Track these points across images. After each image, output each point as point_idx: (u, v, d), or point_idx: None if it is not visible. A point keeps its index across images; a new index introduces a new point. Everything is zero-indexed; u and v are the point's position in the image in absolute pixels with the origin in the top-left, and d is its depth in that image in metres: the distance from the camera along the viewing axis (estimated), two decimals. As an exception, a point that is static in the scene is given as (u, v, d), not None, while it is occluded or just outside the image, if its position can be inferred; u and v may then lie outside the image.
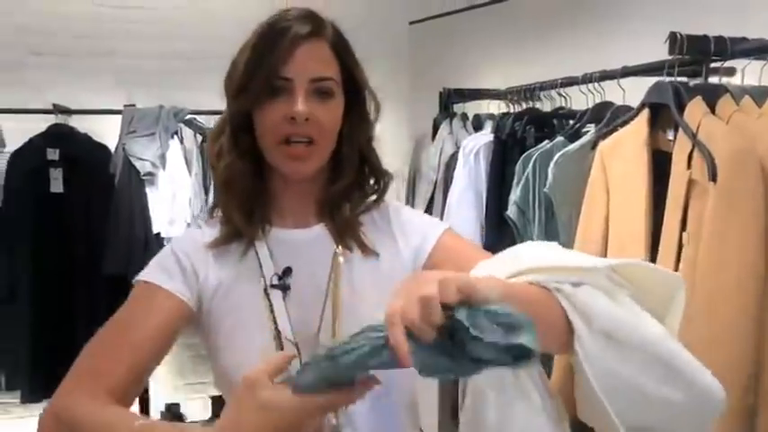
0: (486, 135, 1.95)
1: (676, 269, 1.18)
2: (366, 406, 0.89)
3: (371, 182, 0.99)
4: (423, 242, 0.97)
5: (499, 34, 2.88)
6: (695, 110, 1.19)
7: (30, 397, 3.15)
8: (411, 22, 3.40)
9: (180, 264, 0.93)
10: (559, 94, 1.84)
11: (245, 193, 0.94)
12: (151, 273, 0.93)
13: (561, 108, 1.87)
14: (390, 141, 3.44)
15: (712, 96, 1.20)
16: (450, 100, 2.48)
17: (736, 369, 1.06)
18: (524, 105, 2.04)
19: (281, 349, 0.89)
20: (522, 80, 2.14)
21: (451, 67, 3.15)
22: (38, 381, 3.16)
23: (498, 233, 1.80)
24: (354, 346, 0.66)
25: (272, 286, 0.92)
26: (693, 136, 1.15)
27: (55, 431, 0.85)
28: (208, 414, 3.41)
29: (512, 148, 1.80)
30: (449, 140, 2.28)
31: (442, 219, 2.06)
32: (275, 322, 0.90)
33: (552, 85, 1.83)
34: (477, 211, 1.90)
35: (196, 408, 3.48)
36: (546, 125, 1.84)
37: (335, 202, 0.96)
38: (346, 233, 0.95)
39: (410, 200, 2.55)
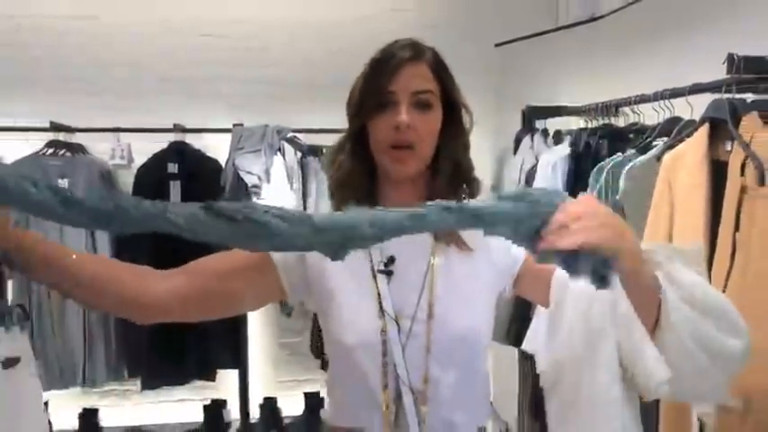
0: (563, 149, 2.10)
1: (730, 269, 1.29)
2: (451, 375, 1.08)
3: (464, 186, 1.14)
4: (511, 254, 1.14)
5: (579, 55, 3.01)
6: (750, 123, 1.31)
7: (147, 383, 3.51)
8: (497, 44, 3.57)
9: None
10: (633, 111, 1.97)
11: (358, 192, 1.12)
12: None
13: (635, 124, 1.99)
14: (476, 156, 3.65)
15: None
16: (532, 116, 2.64)
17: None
18: (601, 121, 2.17)
19: (384, 325, 1.06)
20: (600, 97, 2.27)
21: (535, 86, 3.29)
22: (154, 370, 3.51)
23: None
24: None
25: (379, 271, 1.10)
26: (747, 146, 1.27)
27: None
28: (301, 408, 3.66)
29: (586, 161, 1.94)
30: (529, 154, 2.43)
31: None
32: (380, 302, 1.08)
33: (627, 102, 1.96)
34: (555, 220, 2.04)
35: (291, 402, 3.74)
36: (620, 139, 1.96)
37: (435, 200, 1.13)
38: (451, 234, 1.11)
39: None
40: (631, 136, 2.00)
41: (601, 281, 0.81)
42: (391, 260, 1.11)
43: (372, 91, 1.08)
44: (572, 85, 3.00)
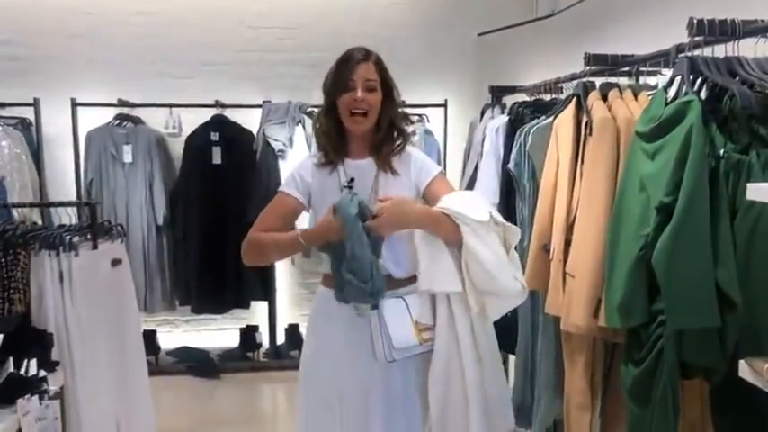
0: (504, 117, 2.83)
1: (580, 189, 2.04)
2: (388, 245, 1.83)
3: (399, 137, 1.90)
4: (422, 176, 1.88)
5: (541, 44, 3.72)
6: (592, 97, 2.03)
7: (196, 309, 4.35)
8: (479, 34, 4.28)
9: (298, 179, 1.89)
10: (550, 90, 2.70)
11: (332, 141, 1.87)
12: (284, 186, 1.92)
13: (555, 98, 2.72)
14: (457, 122, 4.46)
15: (606, 90, 2.05)
16: (495, 93, 3.36)
17: (600, 246, 1.90)
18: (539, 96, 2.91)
19: None
20: (550, 78, 2.97)
21: (508, 68, 4.01)
22: (201, 300, 4.34)
23: (509, 182, 2.68)
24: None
25: (345, 186, 1.84)
26: (588, 112, 2.01)
27: (249, 247, 1.85)
28: (319, 333, 4.46)
29: (517, 126, 2.66)
30: (489, 123, 3.15)
31: (475, 178, 2.98)
32: None
33: (549, 83, 2.69)
34: (497, 170, 2.78)
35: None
36: (542, 110, 2.67)
37: (378, 145, 1.87)
38: (384, 162, 1.87)
39: (465, 166, 3.44)
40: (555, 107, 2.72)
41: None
42: (352, 180, 1.85)
43: (341, 80, 1.81)
44: (535, 68, 3.71)
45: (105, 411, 2.36)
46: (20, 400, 1.77)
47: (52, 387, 1.98)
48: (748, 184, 1.23)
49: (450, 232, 1.71)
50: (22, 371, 1.86)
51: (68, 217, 2.64)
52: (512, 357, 2.75)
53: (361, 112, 1.80)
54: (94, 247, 2.42)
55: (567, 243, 2.08)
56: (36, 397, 1.82)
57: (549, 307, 2.19)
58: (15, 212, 3.25)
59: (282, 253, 1.94)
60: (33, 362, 1.92)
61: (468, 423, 1.72)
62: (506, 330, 2.36)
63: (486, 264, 1.68)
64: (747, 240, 1.38)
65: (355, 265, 1.67)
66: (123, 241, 2.68)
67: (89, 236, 2.43)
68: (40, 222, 3.76)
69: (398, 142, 1.90)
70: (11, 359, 1.85)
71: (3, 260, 2.16)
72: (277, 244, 1.84)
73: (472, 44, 4.40)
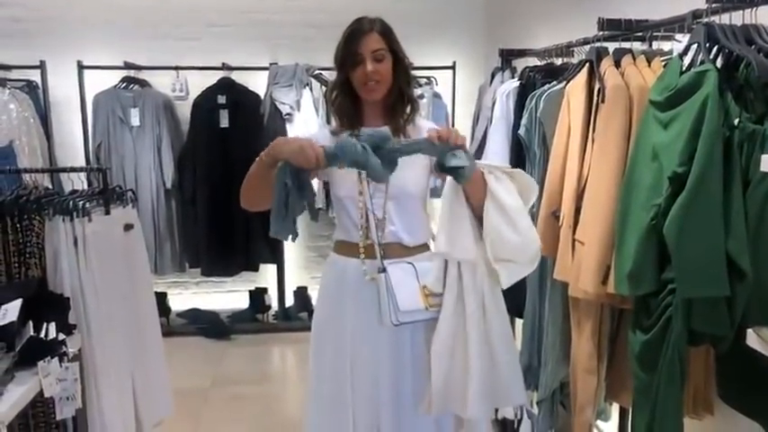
0: (514, 82, 2.81)
1: (591, 154, 2.04)
2: (399, 210, 1.85)
3: (408, 102, 1.91)
4: None
5: (552, 5, 3.65)
6: (605, 63, 2.02)
7: (206, 271, 4.41)
8: (489, -5, 4.22)
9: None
10: (562, 54, 2.67)
11: (347, 113, 1.89)
12: None
13: (566, 63, 2.69)
14: (466, 85, 4.43)
15: (619, 56, 2.03)
16: (505, 56, 3.33)
17: (610, 214, 1.91)
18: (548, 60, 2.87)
19: (361, 183, 1.83)
20: (560, 41, 2.93)
21: (518, 30, 3.95)
22: (210, 261, 4.39)
23: (519, 148, 2.68)
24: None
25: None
26: (600, 78, 2.00)
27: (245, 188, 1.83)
28: (327, 295, 4.53)
29: (528, 91, 2.64)
30: (499, 87, 3.13)
31: (484, 142, 2.97)
32: (359, 171, 1.82)
33: (560, 47, 2.66)
34: (507, 135, 2.77)
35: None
36: (553, 75, 2.65)
37: (390, 113, 1.89)
38: (398, 128, 1.88)
39: (474, 130, 3.43)
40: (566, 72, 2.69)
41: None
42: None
43: (349, 53, 1.81)
44: (544, 30, 3.66)
45: (121, 372, 2.42)
46: (41, 363, 1.82)
47: (70, 350, 2.03)
48: (762, 156, 1.23)
49: (477, 179, 1.70)
50: (42, 334, 1.90)
51: (79, 181, 2.66)
52: (518, 321, 2.78)
53: (374, 81, 1.82)
54: (107, 212, 2.45)
55: (577, 210, 2.09)
56: (56, 359, 1.87)
57: (557, 272, 2.21)
58: (27, 175, 3.27)
59: (254, 180, 1.75)
60: (52, 325, 1.97)
61: (467, 399, 1.73)
62: (514, 294, 2.40)
63: (508, 209, 1.69)
64: (759, 211, 1.38)
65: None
66: (135, 206, 2.70)
67: (101, 201, 2.46)
68: (50, 186, 3.80)
69: (408, 108, 1.92)
70: (30, 323, 1.89)
71: (18, 225, 2.20)
72: (249, 174, 1.76)
73: (481, 4, 4.33)
